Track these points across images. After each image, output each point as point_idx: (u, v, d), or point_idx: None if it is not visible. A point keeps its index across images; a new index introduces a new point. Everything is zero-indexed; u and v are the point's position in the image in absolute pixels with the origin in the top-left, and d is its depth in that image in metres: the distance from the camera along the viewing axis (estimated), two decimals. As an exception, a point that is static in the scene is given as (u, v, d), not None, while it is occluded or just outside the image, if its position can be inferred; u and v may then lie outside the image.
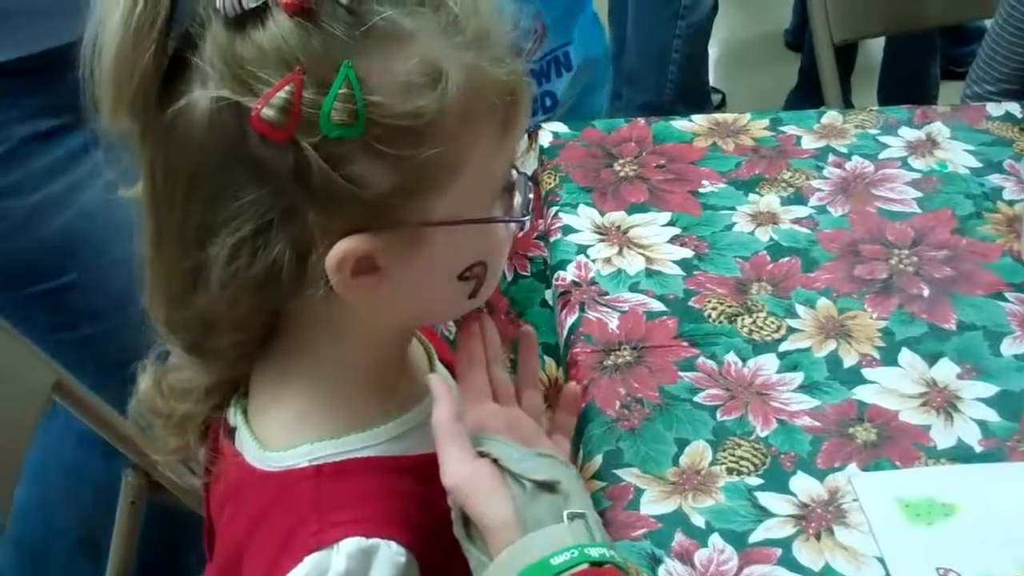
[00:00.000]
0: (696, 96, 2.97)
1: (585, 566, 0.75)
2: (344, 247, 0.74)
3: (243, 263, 0.75)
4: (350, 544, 0.78)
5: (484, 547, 0.77)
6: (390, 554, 0.78)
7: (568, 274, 1.20)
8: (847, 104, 2.67)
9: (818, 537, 0.94)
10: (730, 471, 0.99)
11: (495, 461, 0.79)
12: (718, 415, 1.04)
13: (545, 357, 1.28)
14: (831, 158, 1.36)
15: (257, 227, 0.74)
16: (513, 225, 0.83)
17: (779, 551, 0.93)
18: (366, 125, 0.71)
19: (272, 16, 0.71)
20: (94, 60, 0.73)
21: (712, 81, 3.15)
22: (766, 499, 0.97)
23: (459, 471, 0.78)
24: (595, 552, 0.76)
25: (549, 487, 0.78)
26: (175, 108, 0.73)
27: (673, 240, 1.24)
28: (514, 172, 0.82)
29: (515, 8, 0.79)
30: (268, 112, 0.70)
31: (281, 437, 0.83)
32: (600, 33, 2.04)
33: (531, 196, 0.84)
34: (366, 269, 0.76)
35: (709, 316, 1.15)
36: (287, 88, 0.70)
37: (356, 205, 0.73)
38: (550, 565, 0.74)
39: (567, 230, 1.26)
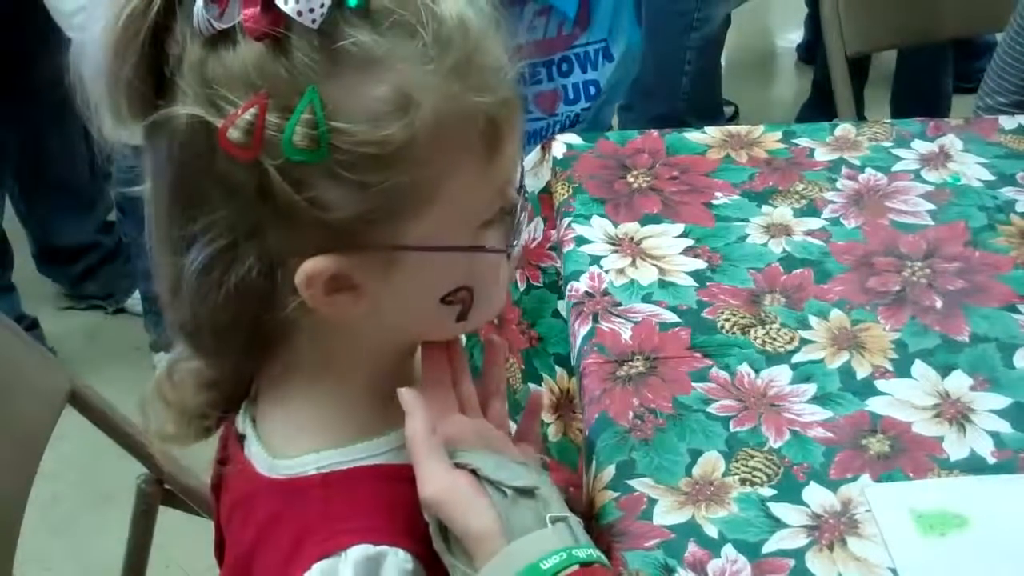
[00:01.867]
0: (709, 109, 2.97)
1: (575, 567, 0.75)
2: (310, 266, 0.75)
3: (216, 275, 0.76)
4: (358, 552, 0.78)
5: (466, 559, 0.78)
6: (397, 561, 0.79)
7: (581, 285, 1.20)
8: (860, 117, 2.68)
9: (831, 548, 0.93)
10: (743, 482, 0.99)
11: (473, 471, 0.79)
12: (731, 426, 1.04)
13: (557, 368, 1.28)
14: (844, 170, 1.36)
15: (228, 241, 0.75)
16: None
17: (792, 562, 0.92)
18: (329, 150, 0.71)
19: (242, 39, 0.71)
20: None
21: (725, 94, 3.16)
22: (779, 510, 0.97)
23: (438, 483, 0.78)
24: (583, 553, 0.77)
25: (529, 493, 0.79)
26: (155, 120, 0.74)
27: (686, 251, 1.24)
28: (512, 195, 0.82)
29: (508, 29, 0.78)
30: (234, 133, 0.71)
31: (288, 445, 0.84)
32: (635, 22, 2.07)
33: (523, 220, 0.83)
34: (343, 287, 0.76)
35: (722, 327, 1.15)
36: (251, 111, 0.71)
37: (320, 227, 0.74)
38: (540, 570, 0.75)
39: (580, 241, 1.26)
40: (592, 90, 2.06)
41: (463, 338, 0.91)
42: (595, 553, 0.78)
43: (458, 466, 0.80)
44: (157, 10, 0.72)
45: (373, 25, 0.72)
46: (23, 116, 2.48)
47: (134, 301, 2.72)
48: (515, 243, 0.82)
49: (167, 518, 1.49)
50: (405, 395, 0.81)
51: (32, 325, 2.53)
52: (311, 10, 0.70)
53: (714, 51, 2.95)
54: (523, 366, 1.31)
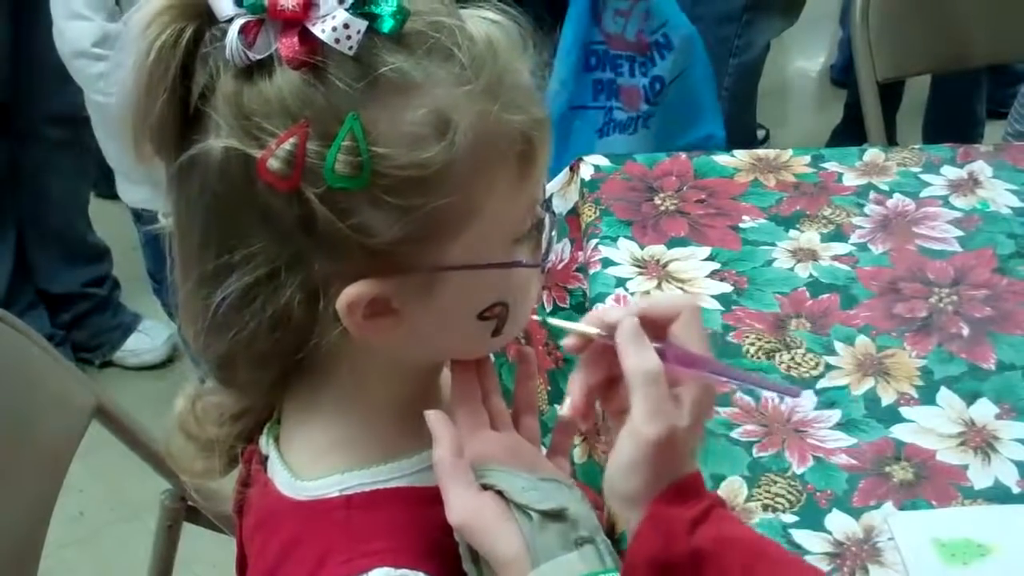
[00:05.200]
0: (742, 134, 2.95)
1: None
2: (353, 292, 0.75)
3: (257, 306, 0.76)
4: (379, 574, 0.78)
5: None
6: None
7: (607, 306, 1.20)
8: (891, 142, 2.66)
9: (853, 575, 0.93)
10: (765, 508, 0.99)
11: (500, 493, 0.79)
12: (754, 451, 1.04)
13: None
14: (872, 195, 1.36)
15: (268, 272, 0.75)
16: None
17: (813, 589, 0.92)
18: (371, 176, 0.71)
19: (278, 68, 0.71)
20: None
21: (757, 117, 3.15)
22: (801, 536, 0.96)
23: (465, 508, 0.78)
24: None
25: (556, 516, 0.78)
26: (191, 155, 0.74)
27: (712, 275, 1.24)
28: (540, 211, 0.82)
29: (536, 48, 0.79)
30: (274, 163, 0.71)
31: (312, 466, 0.84)
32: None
33: (554, 235, 0.83)
34: (382, 311, 0.76)
35: (747, 351, 1.14)
36: (291, 140, 0.71)
37: (363, 253, 0.73)
38: None
39: (606, 263, 1.26)
40: (657, 86, 2.13)
41: (491, 355, 0.91)
42: None
43: (485, 487, 0.80)
44: (187, 42, 0.73)
45: (409, 50, 0.72)
46: (23, 162, 2.43)
47: (123, 354, 2.67)
48: (547, 257, 0.83)
49: (192, 534, 1.49)
50: (432, 418, 0.81)
51: (62, 341, 2.54)
52: (348, 37, 0.70)
53: (752, 78, 2.94)
54: (549, 387, 1.31)
